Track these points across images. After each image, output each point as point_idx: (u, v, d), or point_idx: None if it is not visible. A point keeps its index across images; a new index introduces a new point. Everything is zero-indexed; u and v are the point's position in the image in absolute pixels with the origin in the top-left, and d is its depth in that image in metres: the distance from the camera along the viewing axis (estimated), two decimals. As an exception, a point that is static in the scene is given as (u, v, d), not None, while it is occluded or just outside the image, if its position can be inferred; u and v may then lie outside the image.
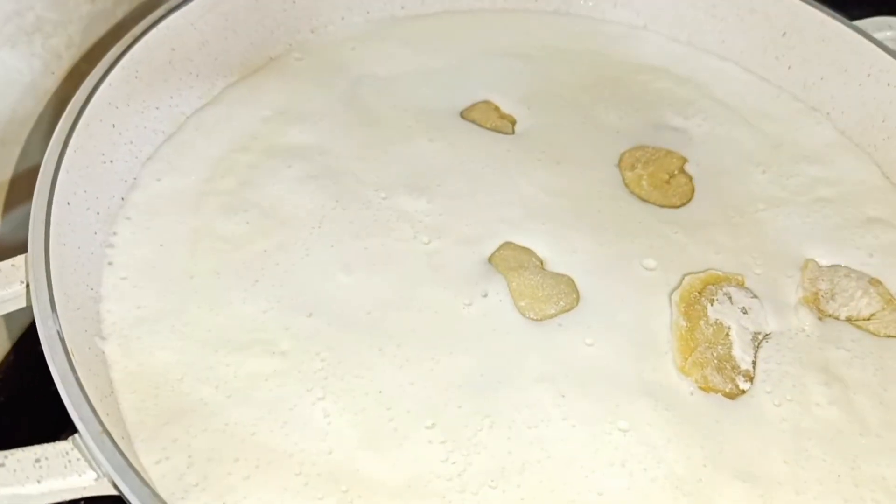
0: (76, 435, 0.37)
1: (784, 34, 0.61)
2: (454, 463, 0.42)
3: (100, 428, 0.35)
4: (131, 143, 0.51)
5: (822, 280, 0.52)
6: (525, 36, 0.64)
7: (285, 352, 0.45)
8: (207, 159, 0.53)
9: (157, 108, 0.53)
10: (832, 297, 0.51)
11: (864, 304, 0.51)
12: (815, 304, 0.51)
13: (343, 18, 0.62)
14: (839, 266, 0.53)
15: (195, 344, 0.45)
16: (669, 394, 0.46)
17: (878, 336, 0.50)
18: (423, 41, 0.62)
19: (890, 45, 0.59)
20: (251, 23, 0.57)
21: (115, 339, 0.45)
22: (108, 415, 0.40)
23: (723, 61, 0.63)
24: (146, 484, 0.34)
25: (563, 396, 0.45)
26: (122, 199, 0.50)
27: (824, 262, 0.53)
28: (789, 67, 0.61)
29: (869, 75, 0.58)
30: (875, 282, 0.52)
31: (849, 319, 0.50)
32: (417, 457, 0.42)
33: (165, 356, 0.45)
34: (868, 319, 0.51)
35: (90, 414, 0.36)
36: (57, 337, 0.38)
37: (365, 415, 0.43)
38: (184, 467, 0.41)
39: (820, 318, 0.50)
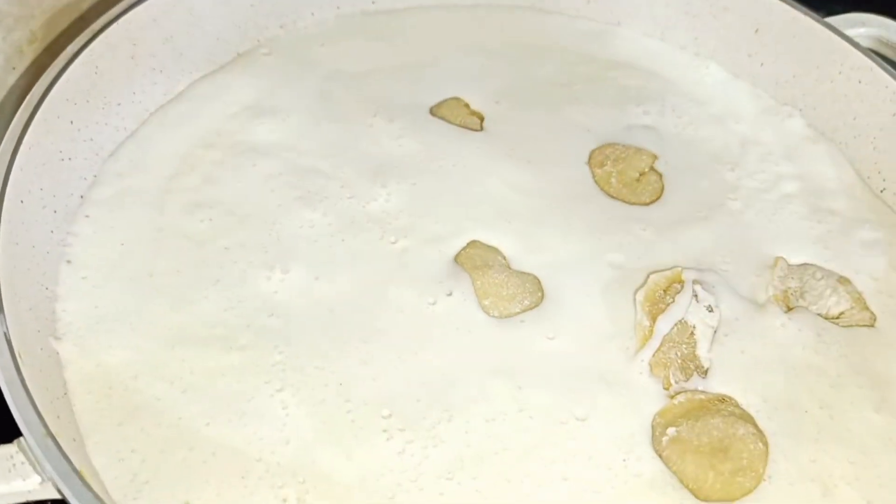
0: (21, 438, 0.36)
1: (756, 31, 0.60)
2: (411, 455, 0.42)
3: (44, 431, 0.35)
4: (91, 140, 0.50)
5: (792, 278, 0.51)
6: (497, 32, 0.63)
7: (244, 346, 0.44)
8: (171, 156, 0.52)
9: (119, 105, 0.52)
10: (801, 296, 0.51)
11: (832, 303, 0.50)
12: (785, 302, 0.50)
13: (313, 14, 0.61)
14: (808, 265, 0.52)
15: (153, 342, 0.44)
16: (628, 387, 0.45)
17: (847, 327, 0.49)
18: (393, 37, 0.61)
19: (863, 42, 0.58)
20: (217, 18, 0.56)
21: (70, 338, 0.44)
22: (58, 417, 0.39)
23: (696, 58, 0.62)
24: (89, 488, 0.33)
25: (520, 388, 0.44)
26: (82, 196, 0.49)
27: (794, 259, 0.52)
28: (762, 64, 0.61)
29: (840, 72, 0.57)
30: (844, 280, 0.51)
31: (818, 317, 0.50)
32: (374, 448, 0.41)
33: (122, 355, 0.44)
34: (837, 318, 0.50)
35: (35, 417, 0.35)
36: (3, 338, 0.37)
37: (323, 406, 0.43)
38: (137, 465, 0.40)
39: (787, 312, 0.49)
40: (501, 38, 0.63)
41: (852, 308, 0.50)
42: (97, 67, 0.50)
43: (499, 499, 0.41)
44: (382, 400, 0.43)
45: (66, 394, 0.42)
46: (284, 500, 0.40)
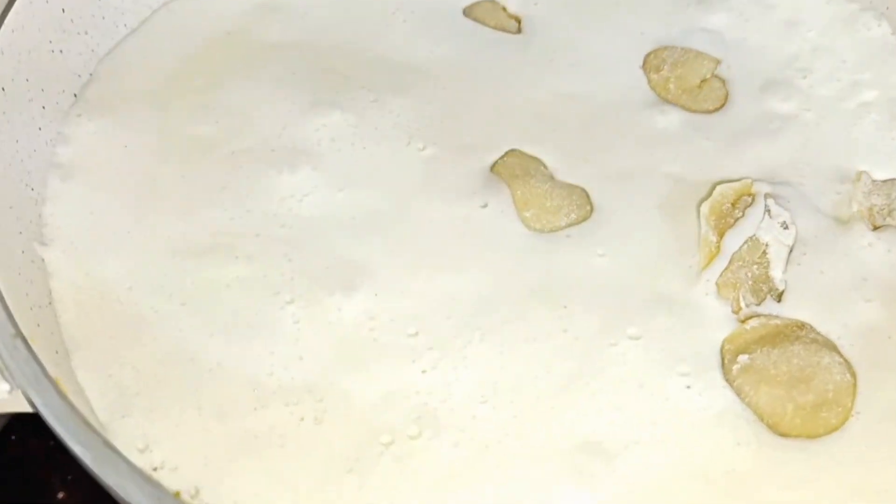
0: (-16, 341, 0.30)
1: (833, -75, 0.53)
2: (441, 375, 0.36)
3: (13, 332, 0.29)
4: (86, 33, 0.45)
5: (877, 194, 0.44)
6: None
7: (251, 255, 0.39)
8: (174, 56, 0.47)
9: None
10: (889, 214, 0.44)
11: (926, 219, 0.43)
12: (871, 219, 0.43)
13: None
14: (895, 179, 0.45)
15: (151, 251, 0.39)
16: (691, 308, 0.39)
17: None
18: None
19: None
20: None
21: (58, 245, 0.39)
22: (38, 325, 0.34)
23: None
24: (64, 398, 0.28)
25: (565, 308, 0.39)
26: (75, 95, 0.44)
27: (878, 174, 0.45)
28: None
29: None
30: (940, 194, 0.44)
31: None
32: (398, 367, 0.36)
33: (116, 265, 0.39)
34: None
35: (3, 316, 0.30)
36: (-32, 229, 0.32)
37: (341, 323, 0.37)
38: (129, 379, 0.35)
39: (874, 230, 0.42)
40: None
41: (950, 224, 0.44)
42: (92, -49, 0.44)
43: (538, 428, 0.35)
44: (408, 317, 0.38)
45: (50, 303, 0.37)
46: (301, 419, 0.35)
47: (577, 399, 0.36)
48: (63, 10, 0.43)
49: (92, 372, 0.35)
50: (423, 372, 0.36)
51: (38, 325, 0.34)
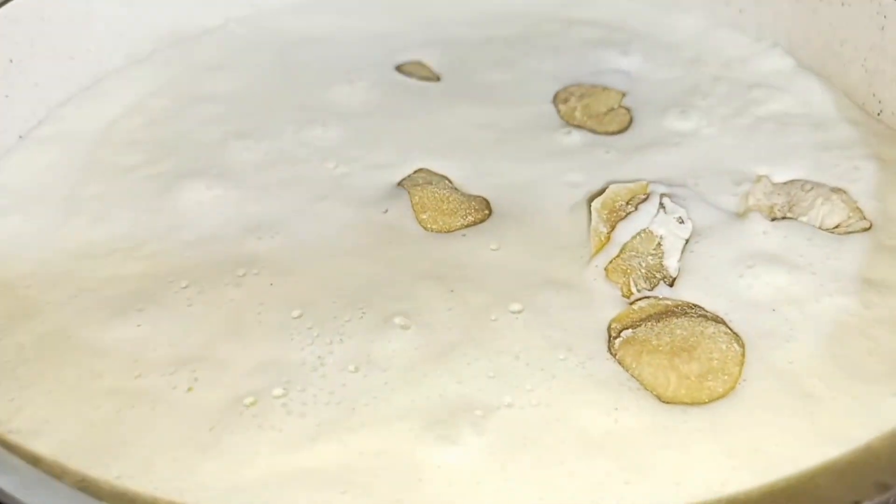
0: None
1: (732, -25, 0.56)
2: (315, 349, 0.36)
3: None
4: (37, 84, 0.49)
5: (777, 194, 0.44)
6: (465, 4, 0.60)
7: (154, 253, 0.41)
8: (120, 105, 0.50)
9: (72, 58, 0.51)
10: (789, 209, 0.44)
11: (826, 212, 0.43)
12: (770, 214, 0.43)
13: (283, -6, 0.60)
14: (795, 180, 0.45)
15: (59, 255, 0.41)
16: (578, 290, 0.39)
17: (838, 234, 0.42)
18: (362, 9, 0.60)
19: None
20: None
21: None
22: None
23: (669, 11, 0.58)
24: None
25: (452, 291, 0.38)
26: (20, 137, 0.47)
27: (775, 178, 0.45)
28: (741, 11, 0.56)
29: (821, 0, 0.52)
30: (837, 190, 0.44)
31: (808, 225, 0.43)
32: (276, 342, 0.36)
33: (22, 265, 0.40)
34: (834, 230, 0.43)
35: None
36: None
37: (231, 305, 0.38)
38: (10, 357, 0.36)
39: (772, 221, 0.42)
40: (464, 8, 0.60)
41: (850, 218, 0.43)
42: (44, 15, 0.49)
43: (408, 392, 0.34)
44: (295, 303, 0.38)
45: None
46: (174, 388, 0.35)
47: (452, 367, 0.35)
48: (11, 61, 0.47)
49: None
50: (301, 349, 0.36)
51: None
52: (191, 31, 0.56)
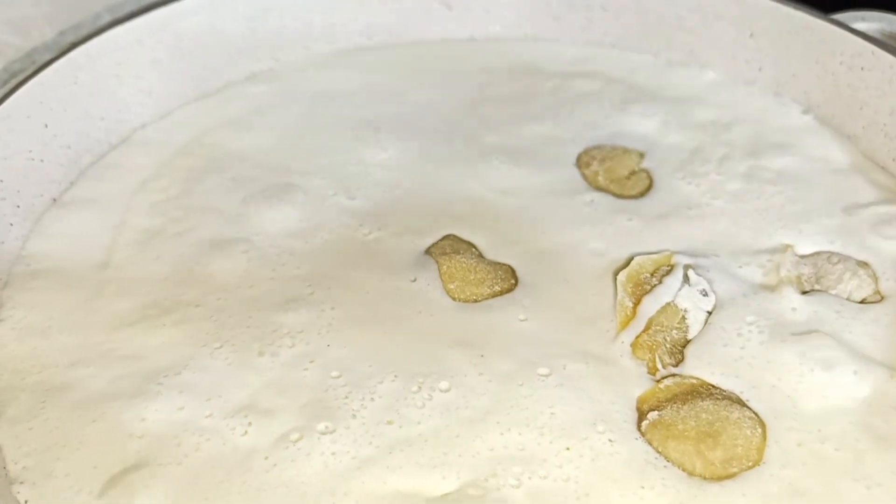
0: None
1: (751, 35, 0.54)
2: (350, 404, 0.36)
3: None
4: (69, 147, 0.47)
5: (804, 265, 0.42)
6: (484, 60, 0.58)
7: (183, 320, 0.39)
8: (147, 165, 0.49)
9: (102, 119, 0.49)
10: (817, 281, 0.42)
11: (854, 287, 0.41)
12: (799, 286, 0.41)
13: (308, 48, 0.58)
14: (821, 252, 0.43)
15: (92, 328, 0.39)
16: (606, 363, 0.38)
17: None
18: (383, 67, 0.58)
19: (864, 37, 0.51)
20: (208, 47, 0.54)
21: (10, 323, 0.39)
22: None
23: (689, 69, 0.56)
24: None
25: (482, 357, 0.38)
26: (54, 199, 0.46)
27: (802, 250, 0.43)
28: (760, 69, 0.54)
29: (841, 62, 0.50)
30: (863, 264, 0.42)
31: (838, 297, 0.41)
32: (317, 393, 0.36)
33: (58, 341, 0.39)
34: (861, 303, 0.40)
35: None
36: None
37: (269, 367, 0.37)
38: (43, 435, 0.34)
39: (802, 294, 0.40)
40: (492, 64, 0.58)
41: (875, 293, 0.41)
42: (77, 78, 0.47)
43: (442, 448, 0.34)
44: (332, 366, 0.37)
45: (-10, 373, 0.36)
46: (232, 429, 0.35)
47: (482, 434, 0.34)
48: (46, 126, 0.45)
49: (15, 426, 0.34)
50: (339, 404, 0.36)
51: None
52: (215, 85, 0.54)
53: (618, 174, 0.48)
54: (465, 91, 0.55)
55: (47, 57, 0.46)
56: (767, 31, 0.53)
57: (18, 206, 0.43)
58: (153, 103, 0.52)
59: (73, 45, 0.47)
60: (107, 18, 0.55)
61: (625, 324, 0.39)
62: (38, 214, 0.44)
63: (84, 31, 0.52)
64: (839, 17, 0.53)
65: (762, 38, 0.53)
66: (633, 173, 0.49)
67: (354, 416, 0.35)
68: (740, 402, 0.36)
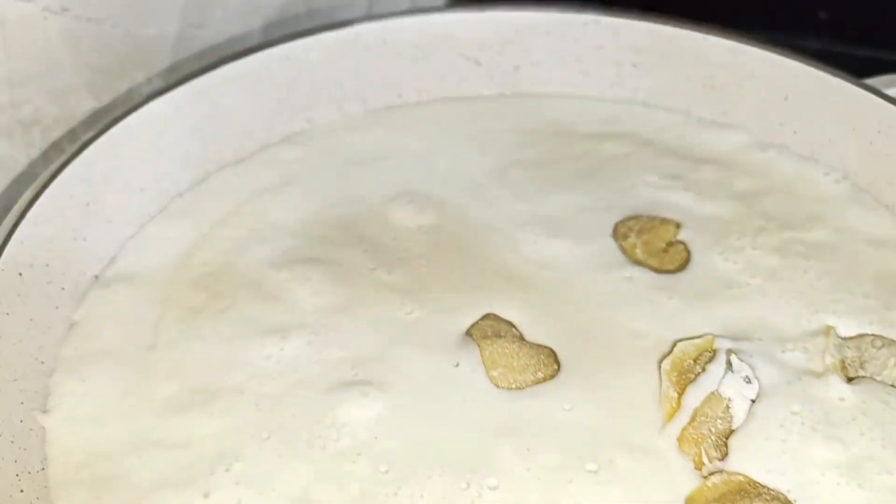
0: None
1: (786, 98, 0.53)
2: (399, 499, 0.36)
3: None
4: (110, 221, 0.47)
5: (848, 348, 0.42)
6: (513, 118, 0.58)
7: (228, 408, 0.39)
8: (188, 236, 0.48)
9: (142, 190, 0.49)
10: (861, 366, 0.41)
11: (899, 373, 0.41)
12: (844, 371, 0.41)
13: (340, 108, 0.58)
14: (865, 335, 0.43)
15: (141, 415, 0.39)
16: (654, 457, 0.38)
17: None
18: (416, 126, 0.57)
19: (902, 102, 0.50)
20: (243, 112, 0.53)
21: (59, 412, 0.39)
22: (21, 491, 0.34)
23: (722, 129, 0.56)
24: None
25: (528, 450, 0.37)
26: (96, 276, 0.46)
27: (846, 330, 0.43)
28: (795, 132, 0.53)
29: (879, 131, 0.49)
30: (905, 348, 0.42)
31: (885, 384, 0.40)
32: (363, 483, 0.36)
33: (108, 430, 0.39)
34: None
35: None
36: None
37: (319, 456, 0.37)
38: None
39: (848, 382, 0.40)
40: (527, 124, 0.58)
41: (921, 379, 0.41)
42: (118, 153, 0.47)
43: None
44: (380, 459, 0.37)
45: (43, 469, 0.36)
46: None
47: None
48: (87, 204, 0.45)
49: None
50: (385, 496, 0.36)
51: (22, 491, 0.33)
52: (250, 149, 0.54)
53: (656, 247, 0.48)
54: (494, 153, 0.55)
55: (89, 134, 0.45)
56: (802, 94, 0.53)
57: (63, 289, 0.43)
58: (191, 170, 0.52)
59: (115, 121, 0.46)
60: (141, 81, 0.55)
61: (671, 416, 0.39)
62: (81, 294, 0.44)
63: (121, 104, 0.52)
64: (872, 81, 0.52)
65: (797, 101, 0.53)
66: (670, 245, 0.48)
67: (406, 513, 0.35)
68: (786, 502, 0.35)
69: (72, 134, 0.52)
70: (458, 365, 0.41)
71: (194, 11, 0.56)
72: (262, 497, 0.35)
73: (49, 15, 0.48)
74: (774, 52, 0.53)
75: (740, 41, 0.54)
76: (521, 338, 0.43)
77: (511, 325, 0.44)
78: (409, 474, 0.36)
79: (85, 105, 0.52)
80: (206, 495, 0.36)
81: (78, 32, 0.50)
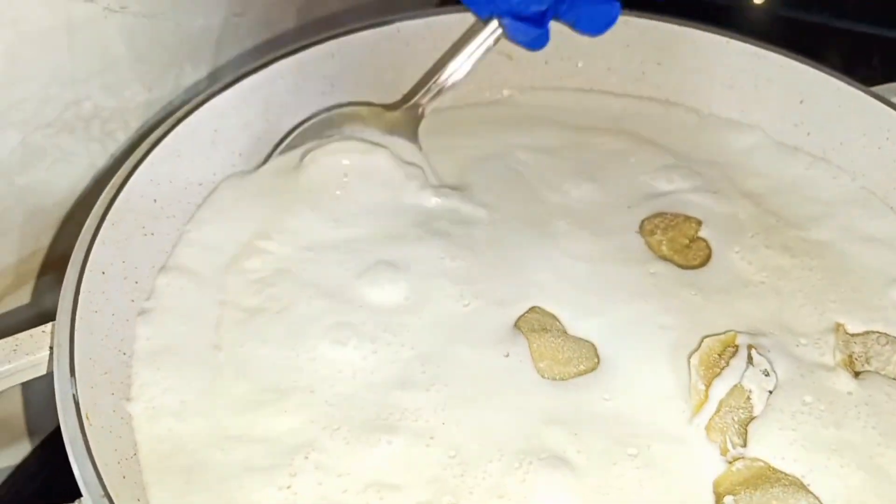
0: (80, 499, 0.33)
1: (802, 102, 0.56)
2: (465, 480, 0.39)
3: (101, 492, 0.32)
4: (174, 216, 0.49)
5: (855, 343, 0.46)
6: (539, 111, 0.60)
7: (301, 405, 0.42)
8: (237, 242, 0.49)
9: (201, 184, 0.51)
10: (867, 361, 0.45)
11: (900, 368, 0.44)
12: (851, 367, 0.44)
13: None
14: (871, 332, 0.46)
15: (216, 411, 0.42)
16: (686, 445, 0.41)
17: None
18: (449, 123, 0.59)
19: (911, 109, 0.53)
20: (291, 105, 0.55)
21: (142, 401, 0.42)
22: (124, 477, 0.37)
23: (738, 127, 0.58)
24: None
25: (576, 435, 0.41)
26: (161, 268, 0.48)
27: (853, 327, 0.47)
28: (808, 133, 0.56)
29: (888, 138, 0.52)
30: (909, 345, 0.45)
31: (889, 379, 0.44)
32: (433, 468, 0.40)
33: (190, 421, 0.41)
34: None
35: (93, 478, 0.33)
36: (72, 400, 0.35)
37: (388, 448, 0.41)
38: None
39: (856, 377, 0.44)
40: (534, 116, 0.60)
41: (922, 374, 0.44)
42: (180, 151, 0.49)
43: None
44: (449, 447, 0.41)
45: (135, 454, 0.39)
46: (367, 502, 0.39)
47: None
48: (155, 201, 0.47)
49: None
50: (453, 477, 0.39)
51: (124, 477, 0.36)
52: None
53: (679, 243, 0.51)
54: (522, 145, 0.57)
55: (156, 134, 0.47)
56: (817, 98, 0.55)
57: (137, 283, 0.45)
58: (242, 162, 0.54)
59: (179, 121, 0.48)
60: (189, 73, 0.57)
61: (699, 407, 0.42)
62: (150, 287, 0.47)
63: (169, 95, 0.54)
64: (879, 89, 0.55)
65: (812, 105, 0.56)
66: (692, 241, 0.51)
67: (472, 493, 0.39)
68: (804, 488, 0.39)
69: (125, 125, 0.54)
70: (507, 355, 0.44)
71: (238, 0, 0.58)
72: (341, 480, 0.39)
73: (109, 13, 0.49)
74: (793, 58, 0.56)
75: (760, 46, 0.56)
76: (565, 332, 0.46)
77: (555, 318, 0.47)
78: (473, 458, 0.40)
79: (139, 97, 0.54)
80: (291, 475, 0.39)
81: (134, 28, 0.51)
